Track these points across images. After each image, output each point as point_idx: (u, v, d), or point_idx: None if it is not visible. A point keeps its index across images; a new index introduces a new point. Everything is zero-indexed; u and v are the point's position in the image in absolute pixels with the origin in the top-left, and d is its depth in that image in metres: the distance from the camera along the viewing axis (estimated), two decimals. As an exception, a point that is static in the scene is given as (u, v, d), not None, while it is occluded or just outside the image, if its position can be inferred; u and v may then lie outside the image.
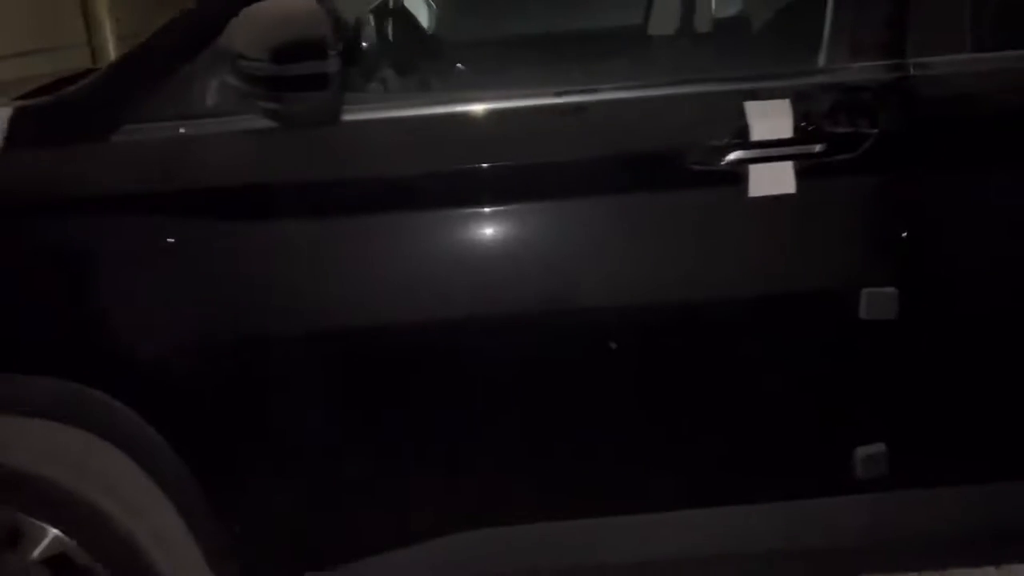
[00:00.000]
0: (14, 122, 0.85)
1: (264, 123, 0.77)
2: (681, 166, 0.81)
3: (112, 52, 3.82)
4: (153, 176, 0.80)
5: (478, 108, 0.83)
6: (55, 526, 0.88)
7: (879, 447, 0.92)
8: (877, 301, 0.84)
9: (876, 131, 0.82)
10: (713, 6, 1.36)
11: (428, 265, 0.84)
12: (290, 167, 0.81)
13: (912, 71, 0.84)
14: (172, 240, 0.79)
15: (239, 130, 0.79)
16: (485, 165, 0.81)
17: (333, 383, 0.86)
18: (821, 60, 0.86)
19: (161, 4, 5.58)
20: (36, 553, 0.89)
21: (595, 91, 0.84)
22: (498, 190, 0.82)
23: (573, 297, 0.84)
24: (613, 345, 0.84)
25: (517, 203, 0.82)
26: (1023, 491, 0.97)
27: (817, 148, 0.81)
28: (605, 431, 0.92)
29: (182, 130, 0.80)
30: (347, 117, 0.78)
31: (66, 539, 0.89)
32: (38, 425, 0.85)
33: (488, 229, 0.84)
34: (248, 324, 0.82)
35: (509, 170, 0.83)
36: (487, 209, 0.81)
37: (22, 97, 0.96)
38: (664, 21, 1.30)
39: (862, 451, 0.92)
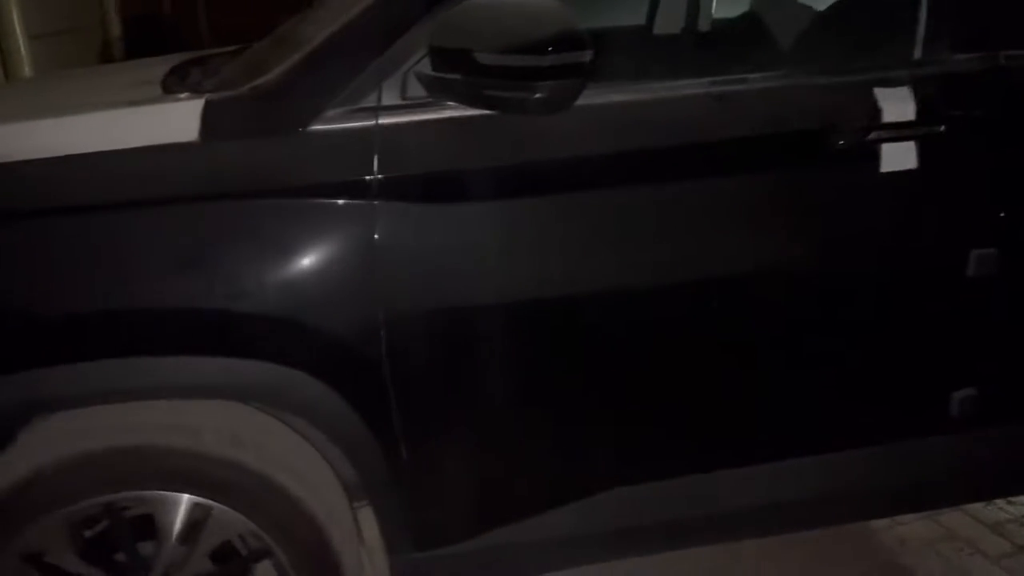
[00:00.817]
0: (206, 113, 0.85)
1: (470, 111, 0.81)
2: (828, 146, 0.91)
3: (24, 53, 3.65)
4: (355, 163, 0.83)
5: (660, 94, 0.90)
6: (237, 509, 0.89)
7: (971, 390, 1.06)
8: (982, 260, 0.98)
9: (977, 115, 0.95)
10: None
11: (609, 238, 0.91)
12: (507, 151, 0.85)
13: (1003, 62, 0.97)
14: (374, 226, 0.82)
15: (443, 118, 0.83)
16: (662, 146, 0.89)
17: (520, 354, 0.92)
18: (918, 52, 0.98)
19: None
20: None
21: (746, 81, 0.93)
22: (671, 168, 0.90)
23: (736, 264, 0.93)
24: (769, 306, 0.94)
25: (689, 180, 0.90)
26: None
27: (937, 129, 0.93)
28: (742, 387, 1.02)
29: (380, 120, 0.83)
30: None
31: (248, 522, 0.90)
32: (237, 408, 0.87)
33: (665, 205, 0.91)
34: (449, 298, 0.86)
35: (680, 150, 0.90)
36: (667, 185, 0.89)
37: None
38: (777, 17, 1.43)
39: (958, 394, 1.06)
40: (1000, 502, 1.49)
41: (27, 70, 3.74)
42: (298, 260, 0.83)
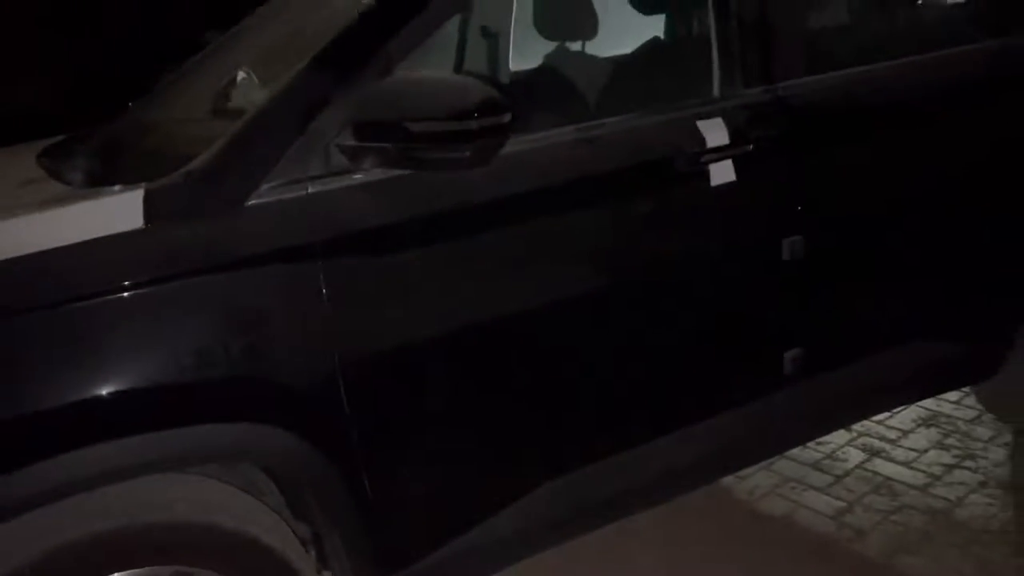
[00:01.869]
0: (148, 201, 0.89)
1: (390, 173, 0.93)
2: (673, 170, 1.16)
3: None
4: (293, 230, 0.91)
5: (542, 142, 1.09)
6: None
7: (798, 350, 1.35)
8: (792, 246, 1.27)
9: (770, 135, 1.25)
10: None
11: (516, 265, 1.07)
12: (425, 203, 0.97)
13: (780, 92, 1.28)
14: (320, 282, 0.91)
15: (366, 181, 0.94)
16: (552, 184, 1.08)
17: (454, 378, 1.05)
18: (719, 90, 1.27)
19: None
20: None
21: (604, 125, 1.15)
22: (561, 200, 1.09)
23: (617, 273, 1.15)
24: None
25: (575, 209, 1.10)
26: (885, 365, 1.48)
27: (746, 149, 1.21)
28: (625, 380, 1.22)
29: (309, 189, 0.92)
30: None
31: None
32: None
33: (557, 232, 1.10)
34: (392, 336, 0.97)
35: (565, 186, 1.09)
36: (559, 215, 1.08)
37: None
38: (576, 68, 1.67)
39: (788, 354, 1.34)
40: (811, 445, 1.85)
41: None
42: (256, 324, 0.89)
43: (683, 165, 1.16)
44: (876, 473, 1.81)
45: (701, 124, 1.17)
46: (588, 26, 1.61)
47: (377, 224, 0.96)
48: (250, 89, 1.24)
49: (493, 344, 1.06)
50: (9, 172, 1.34)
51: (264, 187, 0.91)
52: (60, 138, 1.50)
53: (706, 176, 1.17)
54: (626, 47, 1.58)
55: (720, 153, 1.18)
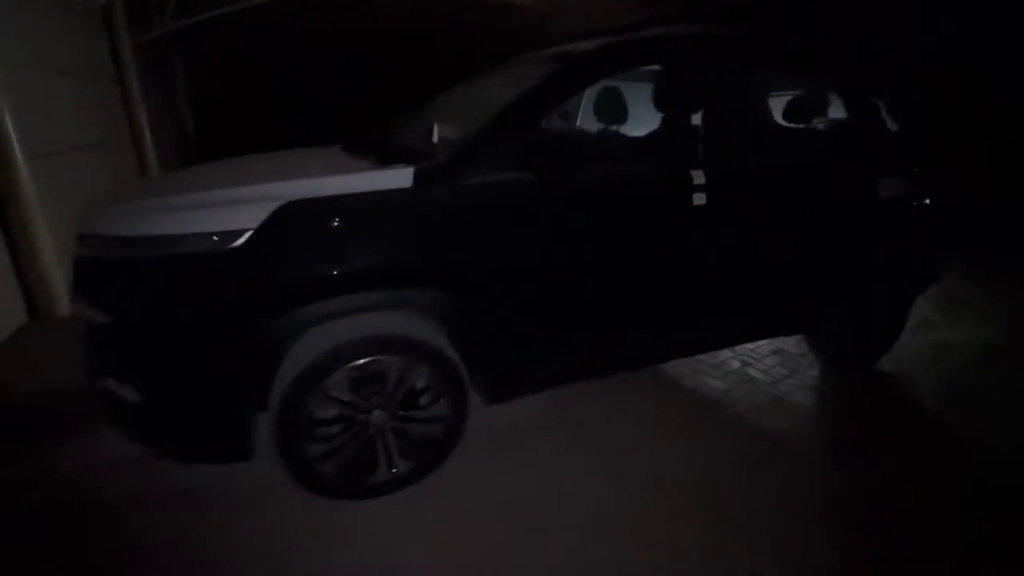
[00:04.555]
0: (416, 174, 1.83)
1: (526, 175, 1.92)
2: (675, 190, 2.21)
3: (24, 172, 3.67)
4: (477, 199, 1.87)
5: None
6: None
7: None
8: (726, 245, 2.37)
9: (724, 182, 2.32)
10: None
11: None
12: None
13: (727, 164, 2.34)
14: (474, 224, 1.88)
15: (516, 178, 1.91)
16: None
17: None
18: (699, 155, 2.31)
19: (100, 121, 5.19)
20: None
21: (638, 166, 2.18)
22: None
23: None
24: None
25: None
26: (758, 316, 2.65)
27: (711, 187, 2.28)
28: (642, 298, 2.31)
29: (489, 179, 1.88)
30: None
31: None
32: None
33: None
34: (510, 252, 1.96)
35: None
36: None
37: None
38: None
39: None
40: (710, 354, 3.15)
41: (27, 186, 3.62)
42: (444, 240, 1.86)
43: (679, 189, 2.19)
44: (746, 373, 3.04)
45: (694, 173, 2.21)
46: (622, 116, 2.53)
47: (517, 200, 1.93)
48: (447, 130, 2.18)
49: (569, 262, 2.05)
50: (331, 157, 2.30)
51: (470, 176, 1.86)
52: (349, 141, 2.56)
53: (691, 198, 2.21)
54: (646, 129, 2.56)
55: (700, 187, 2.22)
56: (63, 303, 3.86)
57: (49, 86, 4.41)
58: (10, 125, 3.46)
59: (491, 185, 1.89)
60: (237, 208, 1.67)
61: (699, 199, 2.19)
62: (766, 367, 3.12)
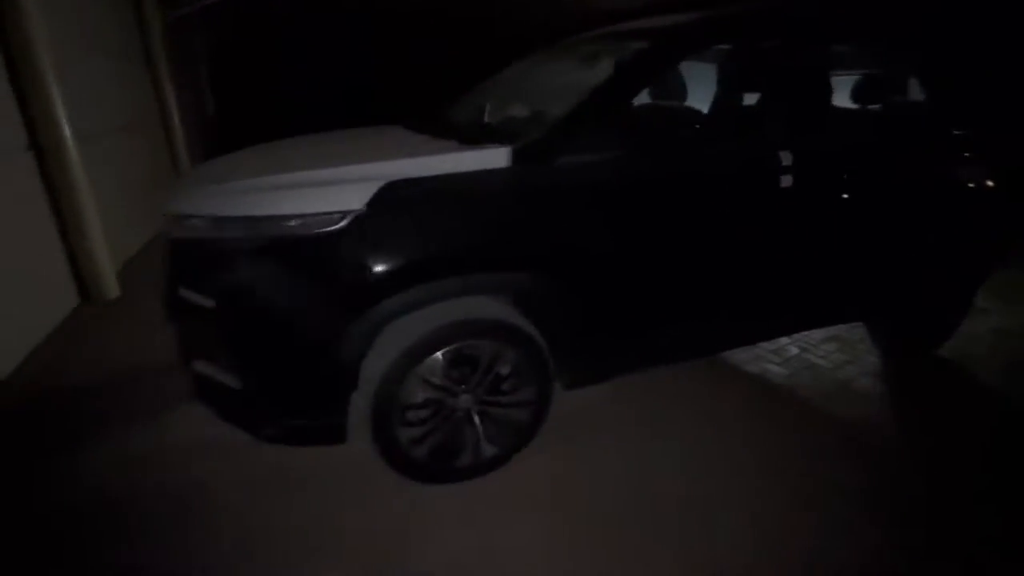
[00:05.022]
0: (513, 154, 1.79)
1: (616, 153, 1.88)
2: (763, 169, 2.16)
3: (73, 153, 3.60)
4: (568, 180, 1.83)
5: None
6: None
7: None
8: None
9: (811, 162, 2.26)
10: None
11: None
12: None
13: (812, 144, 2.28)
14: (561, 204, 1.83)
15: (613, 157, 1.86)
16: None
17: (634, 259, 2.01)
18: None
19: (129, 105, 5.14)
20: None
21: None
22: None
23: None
24: None
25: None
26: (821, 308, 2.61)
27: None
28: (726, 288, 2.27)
29: (584, 158, 1.83)
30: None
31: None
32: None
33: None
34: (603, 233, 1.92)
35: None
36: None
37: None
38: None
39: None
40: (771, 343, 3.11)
41: (77, 168, 3.55)
42: (542, 223, 1.82)
43: (769, 171, 2.14)
44: (806, 359, 3.01)
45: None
46: (707, 94, 2.50)
47: (611, 181, 1.89)
48: (519, 110, 2.11)
49: (660, 243, 2.02)
50: (403, 136, 2.26)
51: (566, 156, 1.82)
52: (410, 120, 2.56)
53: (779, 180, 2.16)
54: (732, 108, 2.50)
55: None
56: (112, 285, 3.86)
57: (92, 67, 4.36)
58: (61, 109, 3.41)
59: (586, 165, 1.85)
60: (343, 188, 1.64)
61: (786, 181, 2.14)
62: (824, 353, 3.08)
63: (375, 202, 1.63)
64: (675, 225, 2.03)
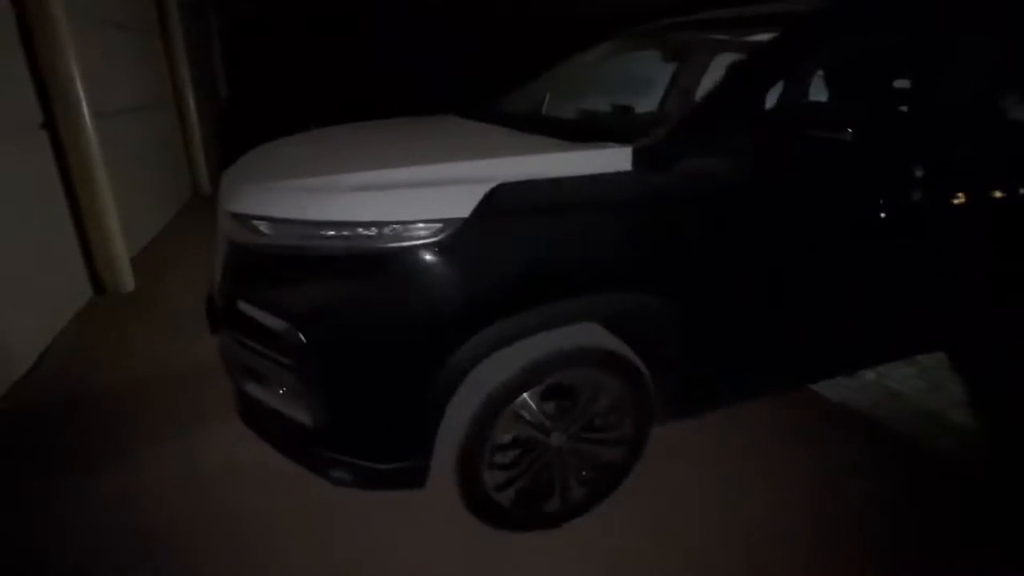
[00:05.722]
0: (635, 155, 1.49)
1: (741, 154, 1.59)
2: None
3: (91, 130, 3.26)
4: (701, 186, 1.54)
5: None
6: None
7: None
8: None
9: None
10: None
11: None
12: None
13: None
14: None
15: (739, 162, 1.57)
16: None
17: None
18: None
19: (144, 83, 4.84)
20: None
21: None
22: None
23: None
24: None
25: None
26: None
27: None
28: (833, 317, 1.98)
29: (708, 162, 1.55)
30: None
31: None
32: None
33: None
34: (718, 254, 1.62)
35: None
36: None
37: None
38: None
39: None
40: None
41: (95, 149, 3.20)
42: (662, 239, 1.54)
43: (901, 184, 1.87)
44: (886, 386, 2.75)
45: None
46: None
47: (736, 188, 1.60)
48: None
49: (785, 258, 1.73)
50: (469, 130, 1.99)
51: (689, 158, 1.53)
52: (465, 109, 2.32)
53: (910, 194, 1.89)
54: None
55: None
56: (128, 278, 3.54)
57: (109, 40, 4.01)
58: (79, 84, 3.08)
59: (711, 170, 1.56)
60: (444, 190, 1.35)
61: (918, 195, 1.87)
62: (901, 378, 2.83)
63: (484, 207, 1.35)
64: (805, 240, 1.76)
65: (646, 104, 2.70)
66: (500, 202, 1.36)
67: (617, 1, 6.31)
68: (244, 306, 1.44)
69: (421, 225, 1.32)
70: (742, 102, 1.60)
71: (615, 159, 1.50)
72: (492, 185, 1.37)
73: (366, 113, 2.72)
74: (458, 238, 1.33)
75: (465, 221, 1.34)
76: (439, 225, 1.33)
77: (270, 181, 1.50)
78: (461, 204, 1.34)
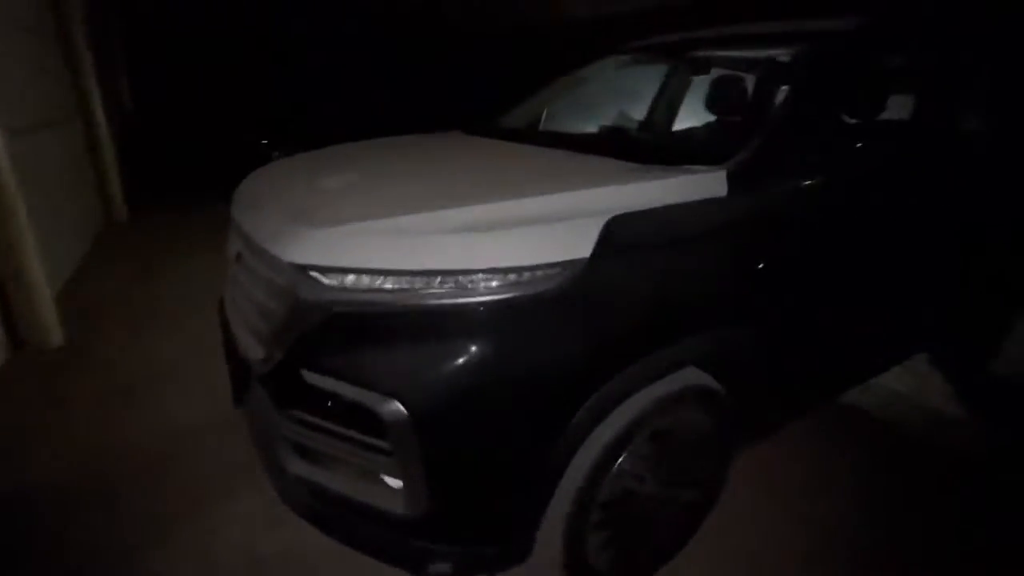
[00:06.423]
0: (729, 179, 1.38)
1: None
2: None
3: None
4: (787, 210, 1.47)
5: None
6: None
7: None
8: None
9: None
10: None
11: None
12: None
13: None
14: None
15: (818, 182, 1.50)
16: None
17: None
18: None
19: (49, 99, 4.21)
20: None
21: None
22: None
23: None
24: None
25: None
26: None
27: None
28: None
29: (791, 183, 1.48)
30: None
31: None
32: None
33: None
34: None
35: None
36: None
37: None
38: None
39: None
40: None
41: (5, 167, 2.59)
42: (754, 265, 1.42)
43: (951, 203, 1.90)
44: (884, 386, 2.85)
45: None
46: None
47: (817, 211, 1.53)
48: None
49: (854, 277, 1.70)
50: (515, 153, 1.85)
51: (774, 181, 1.45)
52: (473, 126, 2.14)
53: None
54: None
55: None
56: (55, 329, 2.96)
57: (18, 47, 3.37)
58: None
59: (794, 191, 1.49)
60: (565, 227, 1.16)
61: (951, 203, 1.93)
62: (894, 377, 2.95)
63: (602, 245, 1.17)
64: (877, 250, 1.75)
65: (689, 120, 2.65)
66: (616, 238, 1.19)
67: (537, 15, 6.27)
68: (313, 377, 1.16)
69: (542, 269, 1.12)
70: (818, 120, 1.54)
71: (712, 183, 1.38)
72: (605, 218, 1.19)
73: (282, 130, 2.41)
74: (580, 281, 1.14)
75: (587, 261, 1.15)
76: (558, 268, 1.14)
77: (345, 223, 1.21)
78: (581, 242, 1.16)
